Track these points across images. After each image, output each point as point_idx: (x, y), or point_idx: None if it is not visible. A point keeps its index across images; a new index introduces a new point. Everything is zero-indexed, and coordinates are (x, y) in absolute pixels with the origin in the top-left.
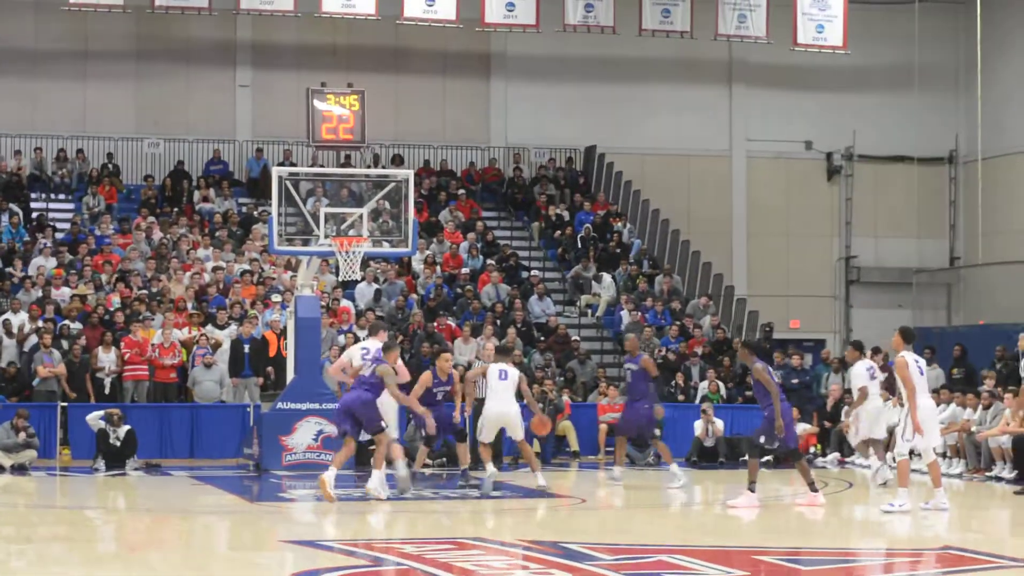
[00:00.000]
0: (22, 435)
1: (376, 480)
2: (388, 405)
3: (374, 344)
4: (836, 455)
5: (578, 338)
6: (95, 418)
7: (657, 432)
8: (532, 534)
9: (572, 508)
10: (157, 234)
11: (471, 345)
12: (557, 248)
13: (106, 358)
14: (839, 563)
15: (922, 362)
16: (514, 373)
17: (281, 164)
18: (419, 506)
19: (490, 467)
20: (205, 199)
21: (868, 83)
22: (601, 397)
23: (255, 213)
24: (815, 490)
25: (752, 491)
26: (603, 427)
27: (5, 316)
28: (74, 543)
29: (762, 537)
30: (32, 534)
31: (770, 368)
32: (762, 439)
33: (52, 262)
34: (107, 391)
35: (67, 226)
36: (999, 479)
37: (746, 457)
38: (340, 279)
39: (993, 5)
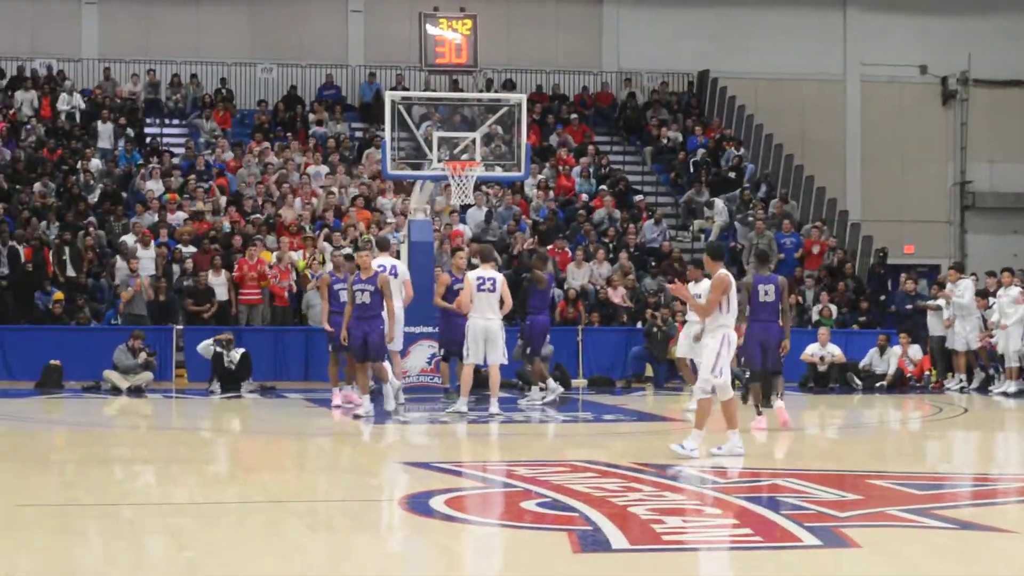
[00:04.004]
0: (142, 355)
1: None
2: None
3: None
4: (961, 380)
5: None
6: (205, 347)
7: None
8: (645, 457)
9: (685, 432)
10: (271, 158)
11: (584, 270)
12: (670, 173)
13: (216, 281)
14: (952, 488)
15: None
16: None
17: (394, 89)
18: (532, 429)
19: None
20: (319, 123)
21: (984, 6)
22: None
23: (368, 138)
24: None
25: (759, 414)
26: None
27: (122, 239)
28: (190, 464)
29: (876, 462)
30: (149, 455)
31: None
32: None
33: (165, 186)
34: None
35: (181, 151)
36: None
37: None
38: (452, 203)
39: None
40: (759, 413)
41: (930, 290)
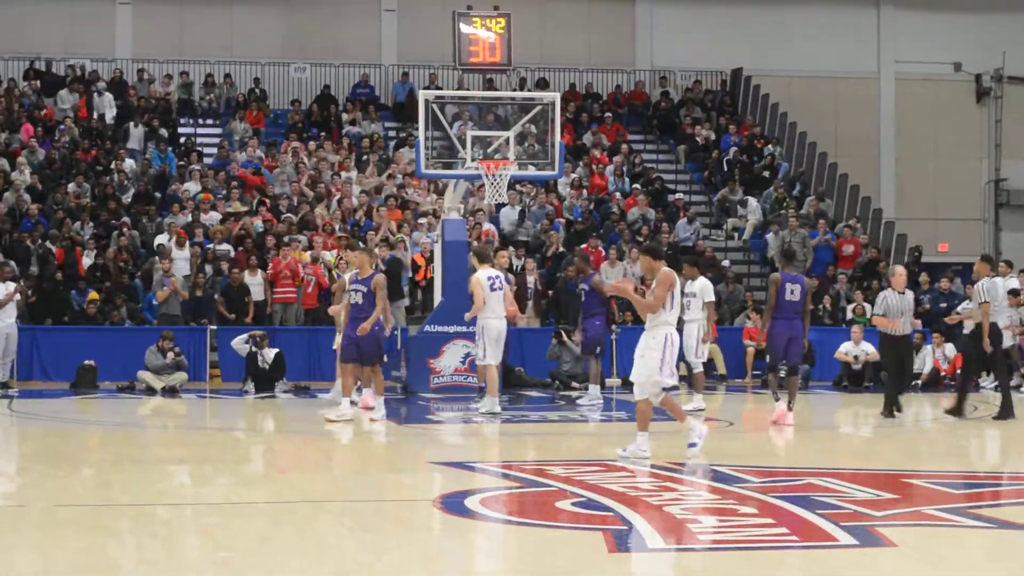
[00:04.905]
0: (170, 355)
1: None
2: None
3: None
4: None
5: (728, 262)
6: (240, 342)
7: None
8: (680, 456)
9: (720, 431)
10: (304, 158)
11: (617, 269)
12: (703, 171)
13: (252, 281)
14: (989, 487)
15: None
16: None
17: (427, 88)
18: (565, 428)
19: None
20: (352, 123)
21: (1018, 3)
22: (747, 320)
23: (402, 137)
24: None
25: (777, 400)
26: (750, 350)
27: (159, 241)
28: (224, 464)
29: (911, 460)
30: (183, 455)
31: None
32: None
33: (202, 185)
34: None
35: (214, 151)
36: None
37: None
38: (486, 202)
39: None
40: (777, 399)
41: (964, 288)
